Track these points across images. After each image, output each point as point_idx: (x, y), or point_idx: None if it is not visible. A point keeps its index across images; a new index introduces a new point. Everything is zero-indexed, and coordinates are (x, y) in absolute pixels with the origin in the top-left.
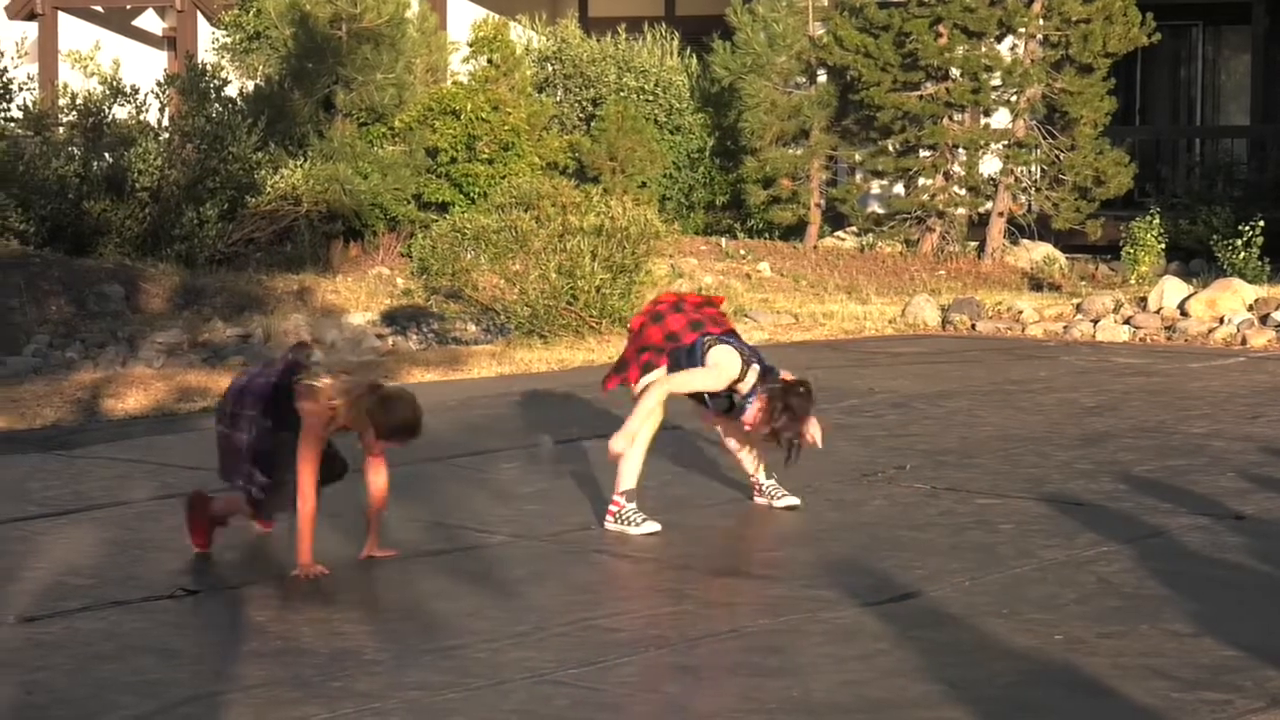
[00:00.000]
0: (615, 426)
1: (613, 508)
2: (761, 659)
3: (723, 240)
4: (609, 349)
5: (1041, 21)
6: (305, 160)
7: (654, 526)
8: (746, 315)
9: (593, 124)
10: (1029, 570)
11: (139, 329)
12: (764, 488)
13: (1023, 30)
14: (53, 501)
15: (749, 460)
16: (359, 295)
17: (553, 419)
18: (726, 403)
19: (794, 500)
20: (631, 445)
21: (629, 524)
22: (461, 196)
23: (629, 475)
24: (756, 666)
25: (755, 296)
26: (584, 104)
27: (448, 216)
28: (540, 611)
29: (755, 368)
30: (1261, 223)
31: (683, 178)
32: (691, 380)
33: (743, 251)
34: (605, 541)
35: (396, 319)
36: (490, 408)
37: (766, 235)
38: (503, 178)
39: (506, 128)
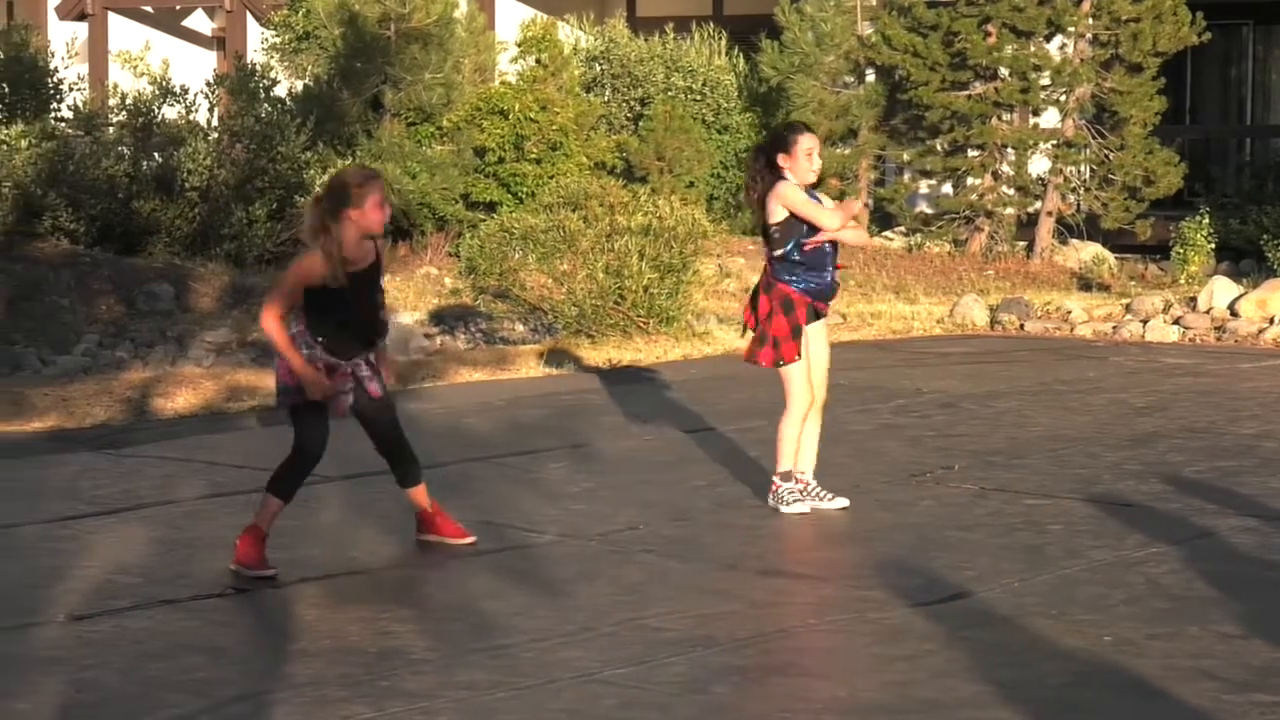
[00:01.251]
0: (664, 424)
1: (773, 486)
2: (810, 659)
3: None
4: (656, 348)
5: (1091, 20)
6: (354, 160)
7: (803, 509)
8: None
9: (640, 123)
10: (1078, 571)
11: (188, 328)
12: (810, 489)
13: (1072, 29)
14: (102, 500)
15: (809, 451)
16: (407, 294)
17: (605, 417)
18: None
19: (844, 501)
20: (794, 426)
21: (781, 503)
22: (509, 196)
23: (786, 456)
24: (805, 667)
25: None
26: (632, 103)
27: (495, 216)
28: (588, 611)
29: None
30: None
31: (730, 177)
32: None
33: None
34: (653, 541)
35: (444, 318)
36: (538, 407)
37: None
38: (550, 177)
39: (554, 127)
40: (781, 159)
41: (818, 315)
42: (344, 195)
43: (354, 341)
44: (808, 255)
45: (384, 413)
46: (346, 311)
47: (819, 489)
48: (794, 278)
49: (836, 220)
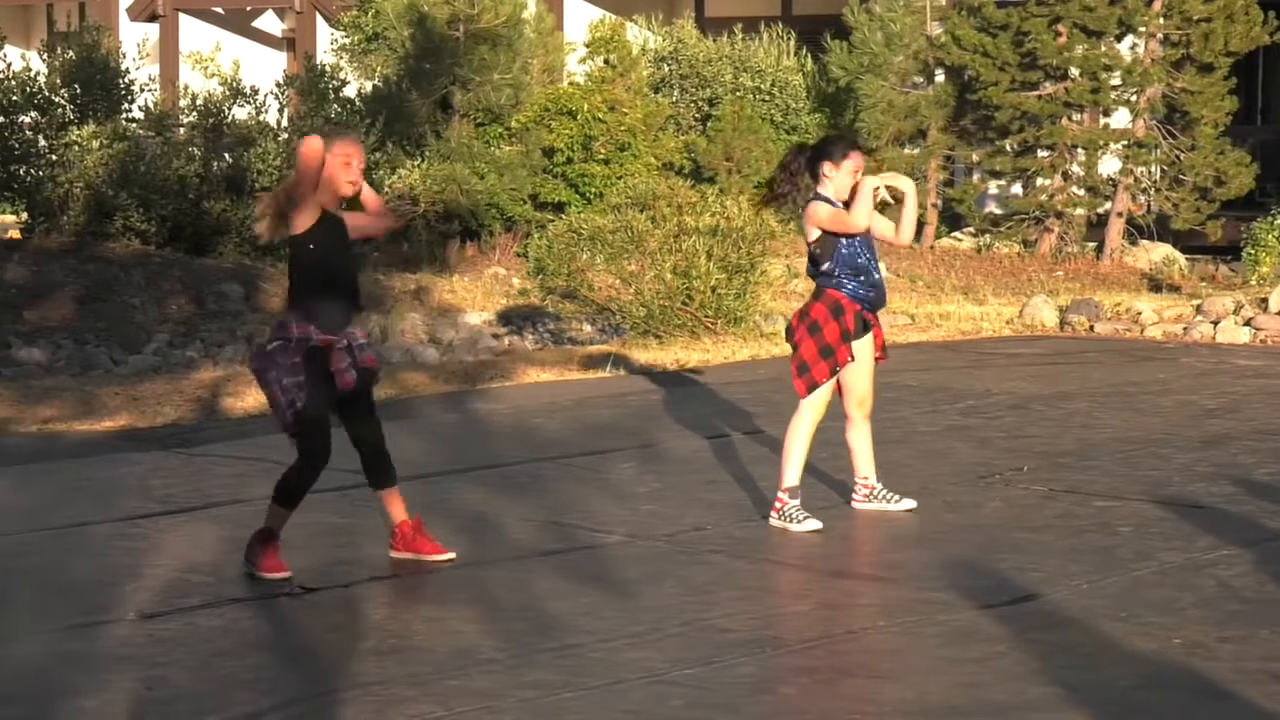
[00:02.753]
0: (732, 425)
1: (777, 504)
2: (878, 661)
3: None
4: (724, 349)
5: (1162, 20)
6: (422, 160)
7: (815, 524)
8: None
9: (708, 124)
10: (1148, 573)
11: (258, 328)
12: (877, 491)
13: (1143, 29)
14: (173, 499)
15: (865, 456)
16: (475, 295)
17: (672, 418)
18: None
19: (911, 503)
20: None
21: (791, 520)
22: (577, 196)
23: (792, 471)
24: (873, 668)
25: None
26: (700, 104)
27: (564, 216)
28: (656, 611)
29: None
30: None
31: None
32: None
33: None
34: (721, 542)
35: (512, 318)
36: (606, 407)
37: None
38: (619, 178)
39: (623, 128)
40: (828, 167)
41: (866, 327)
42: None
43: (343, 312)
44: (849, 262)
45: (370, 384)
46: (332, 278)
47: (885, 491)
48: (843, 284)
49: (863, 216)
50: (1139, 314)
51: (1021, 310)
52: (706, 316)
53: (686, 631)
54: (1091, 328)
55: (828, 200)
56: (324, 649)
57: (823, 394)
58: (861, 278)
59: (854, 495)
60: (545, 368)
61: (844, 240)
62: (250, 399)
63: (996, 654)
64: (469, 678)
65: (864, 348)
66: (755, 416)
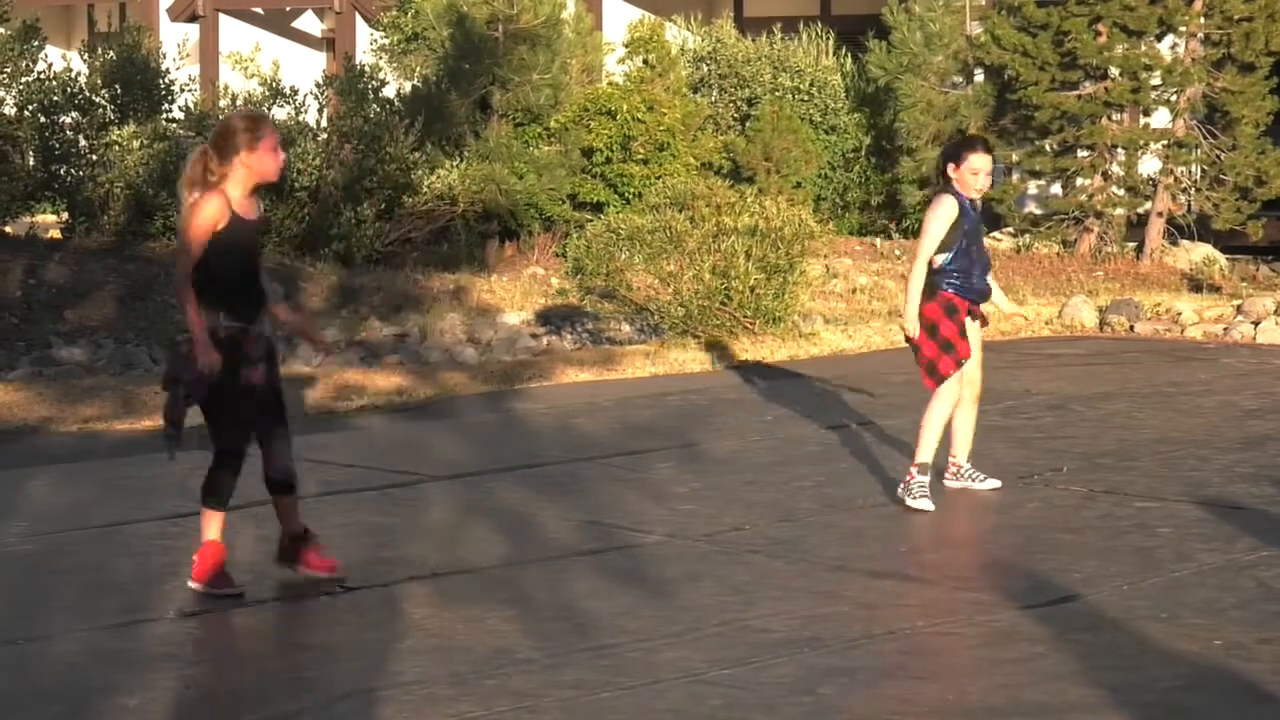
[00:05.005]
0: (770, 425)
1: (906, 477)
2: (917, 661)
3: (878, 241)
4: (763, 349)
5: (1202, 20)
6: (461, 160)
7: (928, 506)
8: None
9: (747, 124)
10: (1188, 574)
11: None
12: (964, 470)
13: (1183, 28)
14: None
15: (964, 438)
16: (514, 295)
17: (711, 418)
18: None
19: (996, 482)
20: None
21: (910, 494)
22: (616, 197)
23: (926, 449)
24: (912, 669)
25: None
26: (739, 104)
27: (602, 216)
28: (694, 611)
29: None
30: None
31: (837, 178)
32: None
33: (898, 252)
34: (759, 542)
35: (551, 318)
36: (645, 407)
37: None
38: (658, 178)
39: (662, 128)
40: (951, 169)
41: (972, 317)
42: (234, 138)
43: (253, 303)
44: (959, 263)
45: (278, 383)
46: (243, 270)
47: (972, 470)
48: (951, 283)
49: (920, 256)
50: (1179, 314)
51: (1061, 310)
52: (745, 317)
53: (725, 631)
54: (1131, 328)
55: (955, 195)
56: (364, 648)
57: (954, 381)
58: (971, 277)
59: (945, 474)
60: (584, 367)
61: (967, 228)
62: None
63: (1036, 655)
64: (508, 677)
65: (974, 335)
66: (794, 417)
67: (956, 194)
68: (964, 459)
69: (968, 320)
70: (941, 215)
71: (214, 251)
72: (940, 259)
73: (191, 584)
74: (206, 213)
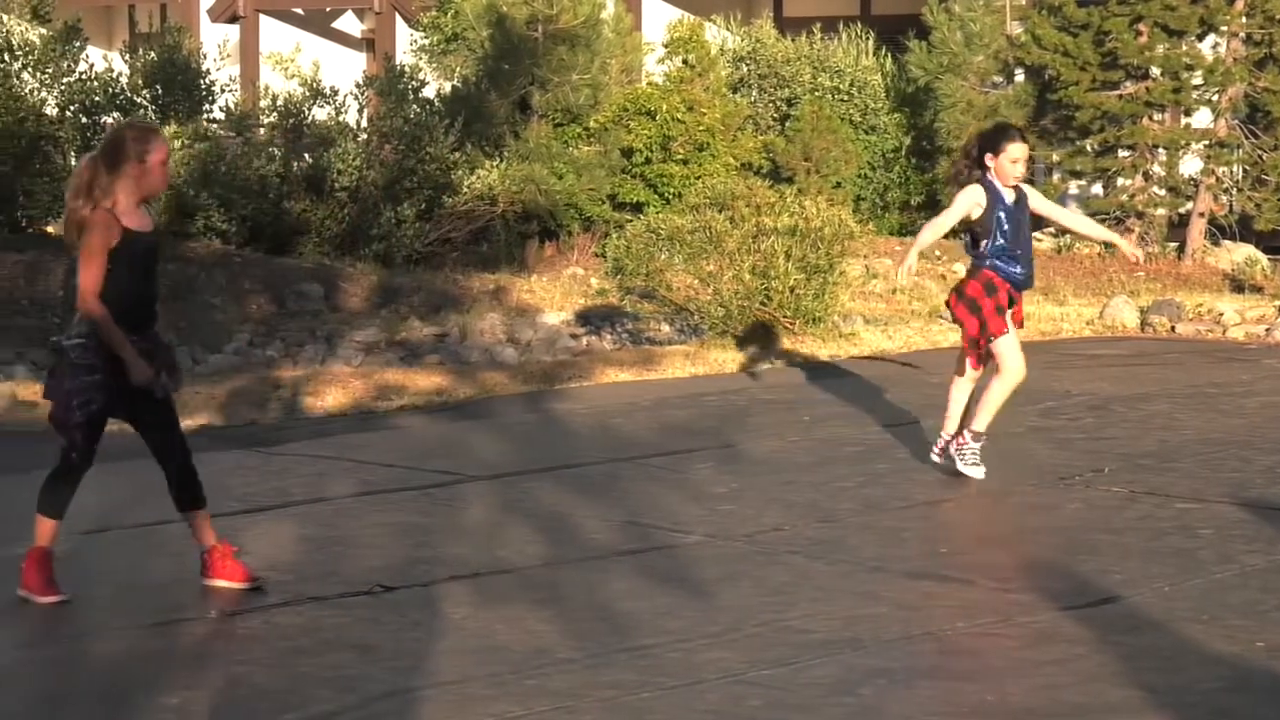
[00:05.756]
0: (809, 425)
1: (958, 441)
2: (957, 662)
3: None
4: (802, 349)
5: (1244, 19)
6: (501, 161)
7: (980, 473)
8: (941, 316)
9: (787, 124)
10: (1229, 576)
11: (337, 327)
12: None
13: (1224, 28)
14: (253, 498)
15: (958, 412)
16: (554, 295)
17: (750, 418)
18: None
19: (979, 473)
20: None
21: (963, 460)
22: (656, 197)
23: (986, 416)
24: (952, 670)
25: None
26: (778, 104)
27: (642, 217)
28: (734, 612)
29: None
30: None
31: (877, 178)
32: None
33: (938, 252)
34: (799, 542)
35: (591, 319)
36: (684, 408)
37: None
38: (697, 178)
39: (701, 128)
40: (989, 158)
41: (1012, 301)
42: (124, 149)
43: (145, 316)
44: (1003, 245)
45: (170, 402)
46: (137, 283)
47: (976, 453)
48: (996, 264)
49: (926, 235)
50: (1221, 315)
51: (1102, 311)
52: (785, 317)
53: (764, 632)
54: (1173, 328)
55: (988, 187)
56: (403, 647)
57: (1014, 355)
58: (1013, 261)
59: (936, 452)
60: (624, 368)
61: (1000, 217)
62: (330, 398)
63: (1077, 656)
64: (547, 677)
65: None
66: (833, 418)
67: (988, 184)
68: (953, 431)
69: (1007, 305)
70: (964, 199)
71: (109, 266)
72: (982, 243)
73: (20, 593)
74: (97, 233)
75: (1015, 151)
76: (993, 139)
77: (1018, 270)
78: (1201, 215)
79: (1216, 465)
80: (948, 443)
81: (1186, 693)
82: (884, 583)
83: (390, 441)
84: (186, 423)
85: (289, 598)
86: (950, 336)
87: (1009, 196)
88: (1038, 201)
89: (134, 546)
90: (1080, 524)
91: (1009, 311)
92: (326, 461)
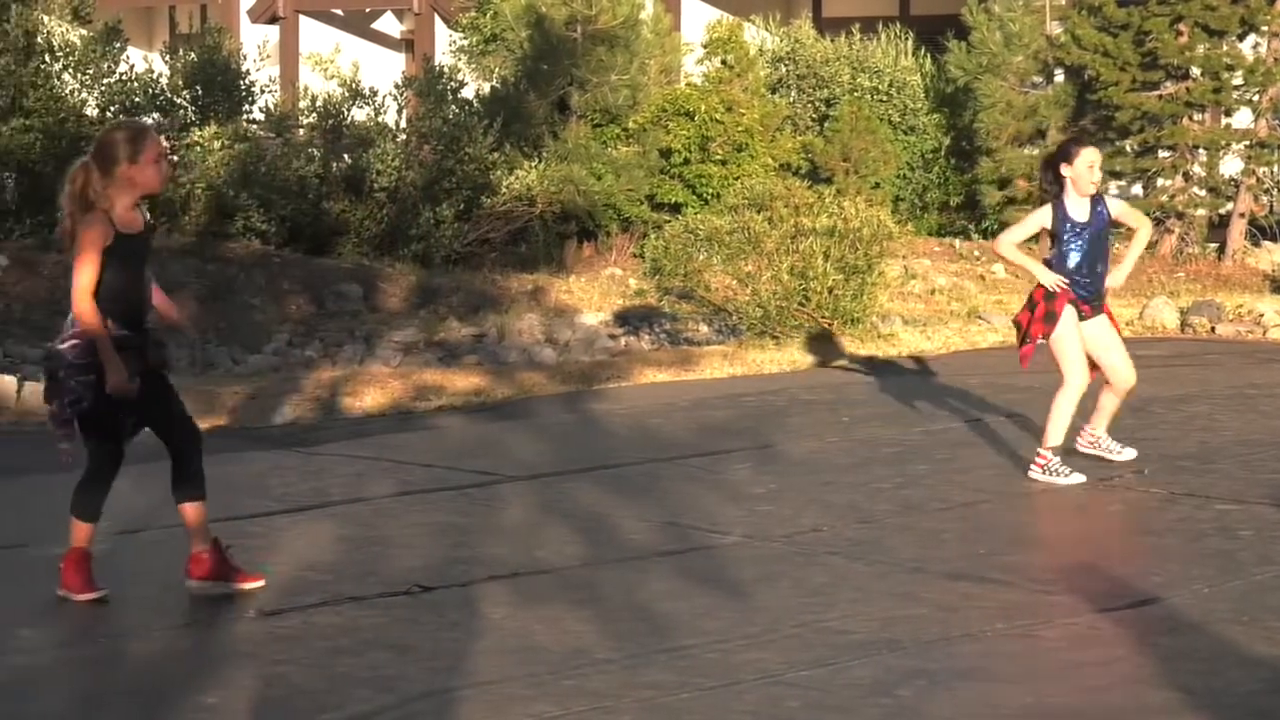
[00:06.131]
0: (847, 426)
1: (1040, 460)
2: (996, 664)
3: (956, 241)
4: (841, 350)
5: None
6: (540, 161)
7: (1080, 479)
8: (980, 317)
9: (826, 125)
10: (1270, 577)
11: (376, 328)
12: (1100, 440)
13: (1265, 28)
14: (292, 498)
15: (1105, 415)
16: (592, 295)
17: (789, 419)
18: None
19: (1133, 452)
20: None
21: (1057, 475)
22: (694, 197)
23: (1057, 431)
24: (991, 671)
25: (989, 298)
26: (817, 104)
27: (680, 217)
28: (772, 613)
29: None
30: None
31: (916, 178)
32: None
33: (977, 253)
34: (837, 543)
35: (629, 319)
36: (722, 408)
37: None
38: (736, 178)
39: (740, 128)
40: (1064, 168)
41: (1083, 315)
42: (115, 151)
43: (138, 318)
44: (1064, 256)
45: (168, 364)
46: (128, 284)
47: (1110, 441)
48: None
49: (1004, 248)
50: (1261, 316)
51: (1142, 312)
52: (823, 317)
53: (802, 633)
54: (1213, 329)
55: (1056, 199)
56: (441, 647)
57: (1078, 371)
58: (1074, 272)
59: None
60: (662, 368)
61: (1065, 237)
62: (369, 399)
63: (1116, 658)
64: (585, 677)
65: (1102, 329)
66: (871, 418)
67: (1058, 202)
68: (1101, 430)
69: (1074, 314)
70: (1034, 217)
71: (102, 269)
72: (1049, 255)
73: (61, 592)
74: (90, 236)
75: (1090, 155)
76: (1064, 151)
77: (1080, 282)
78: (1242, 216)
79: (1256, 467)
80: (1095, 438)
81: (1226, 694)
82: (923, 584)
83: (428, 442)
84: (224, 422)
85: (327, 597)
86: (989, 337)
87: (1090, 213)
88: (1120, 210)
89: (171, 546)
90: (1120, 525)
91: (1099, 319)
92: (365, 462)
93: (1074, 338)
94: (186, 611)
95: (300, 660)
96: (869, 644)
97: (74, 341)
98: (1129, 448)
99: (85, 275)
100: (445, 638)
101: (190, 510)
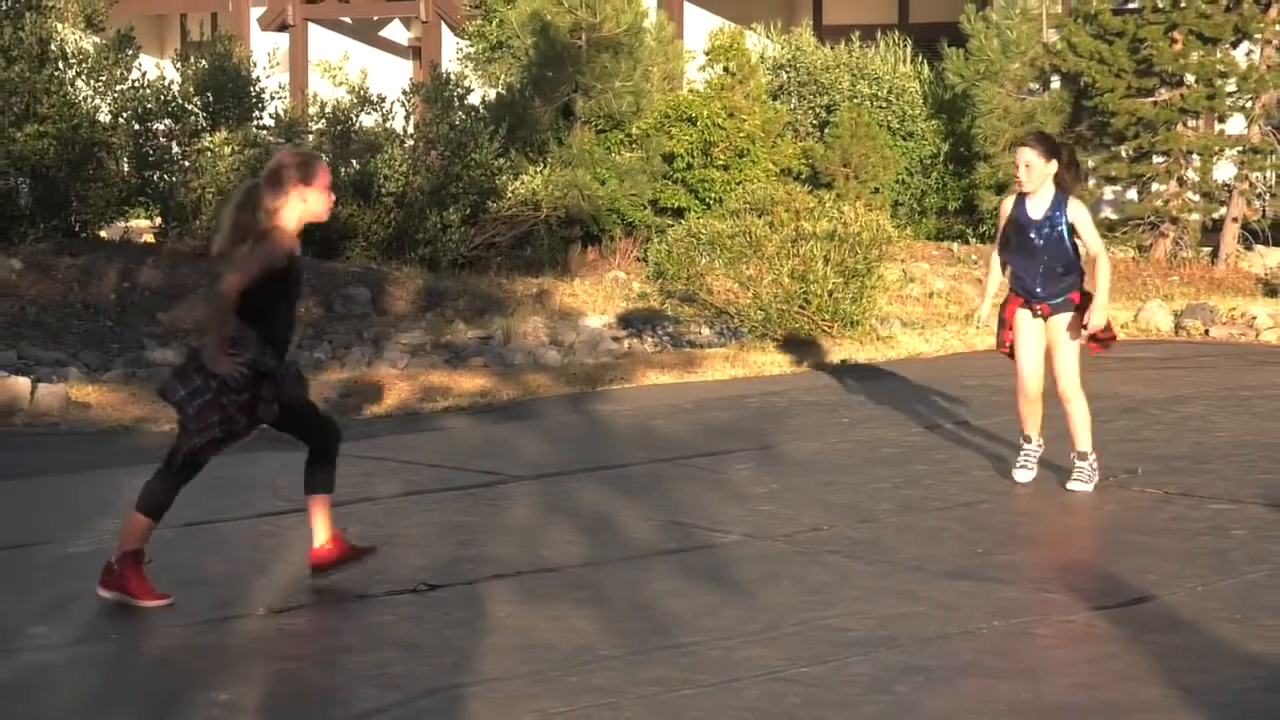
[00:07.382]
0: (847, 427)
1: (1081, 467)
2: (993, 661)
3: (954, 245)
4: (840, 352)
5: (1278, 27)
6: (545, 166)
7: (1083, 488)
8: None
9: (826, 130)
10: (1262, 576)
11: (384, 330)
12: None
13: (1258, 35)
14: (301, 497)
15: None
16: (596, 298)
17: (790, 420)
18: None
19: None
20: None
21: (1095, 481)
22: (697, 202)
23: (1084, 437)
24: (988, 668)
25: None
26: (817, 110)
27: (683, 221)
28: (773, 610)
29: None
30: None
31: (915, 183)
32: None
33: (975, 257)
34: (838, 542)
35: (632, 322)
36: (724, 409)
37: None
38: (738, 183)
39: (742, 134)
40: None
41: (1039, 314)
42: (290, 172)
43: (283, 348)
44: (1016, 261)
45: (305, 395)
46: (287, 312)
47: (1038, 452)
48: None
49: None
50: (1254, 319)
51: (1136, 315)
52: (824, 320)
53: (803, 630)
54: (1206, 332)
55: (1020, 194)
56: (447, 645)
57: (1019, 369)
58: (1021, 276)
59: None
60: (664, 370)
61: (1014, 242)
62: (377, 400)
63: (1111, 655)
64: (589, 674)
65: (1053, 334)
66: (871, 419)
67: (1022, 196)
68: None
69: (1026, 315)
70: (1002, 207)
71: (267, 287)
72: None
73: (108, 595)
74: (268, 247)
75: (1018, 156)
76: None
77: (1025, 283)
78: (1235, 220)
79: (1249, 467)
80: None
81: (1219, 691)
82: (922, 582)
83: (435, 442)
84: None
85: (336, 596)
86: (986, 339)
87: (1034, 209)
88: (1076, 215)
89: (188, 543)
90: (1115, 525)
91: (1055, 320)
92: (373, 462)
93: (1022, 339)
94: (201, 608)
95: (310, 657)
96: (868, 641)
97: (239, 363)
98: (1027, 471)
99: (244, 275)
100: (452, 635)
101: (321, 505)
